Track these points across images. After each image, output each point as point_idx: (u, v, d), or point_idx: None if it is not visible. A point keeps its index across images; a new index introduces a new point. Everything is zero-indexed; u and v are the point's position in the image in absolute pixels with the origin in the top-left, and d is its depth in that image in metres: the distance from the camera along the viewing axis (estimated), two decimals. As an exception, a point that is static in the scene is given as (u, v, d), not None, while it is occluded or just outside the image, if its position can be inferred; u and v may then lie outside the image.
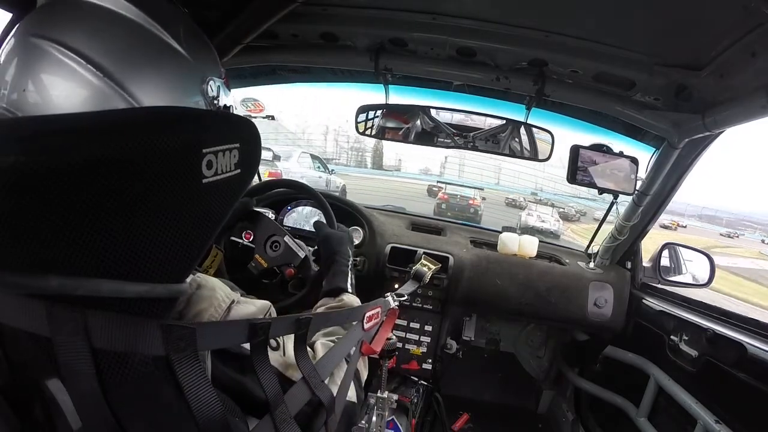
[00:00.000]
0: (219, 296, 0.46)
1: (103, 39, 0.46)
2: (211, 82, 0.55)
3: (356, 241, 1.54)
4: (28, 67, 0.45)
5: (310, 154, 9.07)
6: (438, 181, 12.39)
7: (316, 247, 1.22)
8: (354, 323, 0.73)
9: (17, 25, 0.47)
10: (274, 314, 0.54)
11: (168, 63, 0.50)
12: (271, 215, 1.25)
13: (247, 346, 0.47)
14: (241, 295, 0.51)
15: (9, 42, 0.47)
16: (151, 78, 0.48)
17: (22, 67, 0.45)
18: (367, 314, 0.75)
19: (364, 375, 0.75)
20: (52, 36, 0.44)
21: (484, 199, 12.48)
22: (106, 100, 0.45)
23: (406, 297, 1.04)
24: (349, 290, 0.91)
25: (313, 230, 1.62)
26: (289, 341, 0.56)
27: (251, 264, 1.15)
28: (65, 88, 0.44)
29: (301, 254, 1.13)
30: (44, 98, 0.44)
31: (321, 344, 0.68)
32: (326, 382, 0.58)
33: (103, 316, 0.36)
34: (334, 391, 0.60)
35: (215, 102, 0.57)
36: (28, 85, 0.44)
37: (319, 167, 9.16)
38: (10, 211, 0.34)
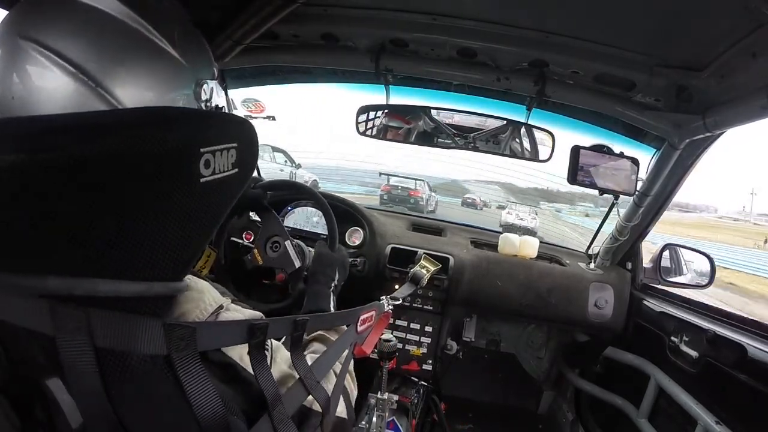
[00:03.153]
0: (206, 299, 0.45)
1: (87, 40, 0.45)
2: (204, 86, 0.55)
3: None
4: (8, 66, 0.44)
5: (271, 147, 8.67)
6: (380, 173, 13.02)
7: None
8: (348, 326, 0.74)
9: (1, 21, 0.46)
10: None
11: (158, 66, 0.49)
12: None
13: (234, 356, 0.47)
14: (232, 302, 0.51)
15: None
16: (139, 81, 0.47)
17: (2, 67, 0.44)
18: (362, 317, 0.76)
19: (353, 394, 0.72)
20: (33, 35, 0.43)
21: (435, 191, 13.37)
22: (87, 102, 0.44)
23: (400, 300, 1.04)
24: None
25: (313, 230, 1.63)
26: (278, 355, 0.56)
27: (247, 257, 1.12)
28: (45, 89, 0.43)
29: (297, 264, 1.08)
30: (24, 98, 0.43)
31: (309, 357, 0.66)
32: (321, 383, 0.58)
33: (105, 314, 0.36)
34: (329, 392, 0.59)
35: (208, 104, 0.56)
36: (8, 85, 0.44)
37: (286, 162, 9.02)
38: (9, 210, 0.34)
